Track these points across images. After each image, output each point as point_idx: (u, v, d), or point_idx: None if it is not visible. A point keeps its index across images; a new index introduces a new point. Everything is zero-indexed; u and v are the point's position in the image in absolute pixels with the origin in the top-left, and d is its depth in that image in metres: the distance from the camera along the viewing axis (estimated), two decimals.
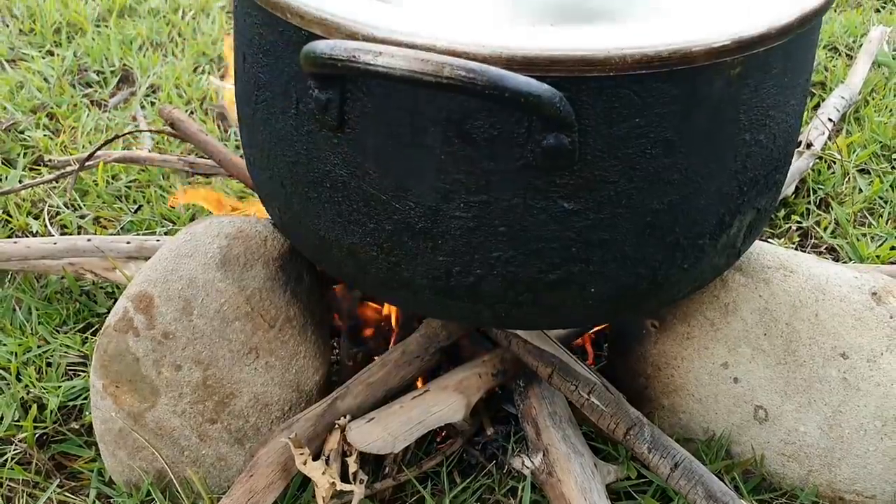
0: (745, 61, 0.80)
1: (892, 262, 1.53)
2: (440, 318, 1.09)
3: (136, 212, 1.63)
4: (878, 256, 1.54)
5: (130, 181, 1.75)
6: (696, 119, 0.81)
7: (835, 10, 2.54)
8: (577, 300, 0.89)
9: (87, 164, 1.54)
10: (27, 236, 1.62)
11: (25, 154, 1.84)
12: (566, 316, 0.93)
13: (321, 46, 0.71)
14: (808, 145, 1.74)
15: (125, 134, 1.71)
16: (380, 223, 0.86)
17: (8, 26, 2.37)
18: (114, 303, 1.43)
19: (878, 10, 2.56)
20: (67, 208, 1.64)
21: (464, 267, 0.85)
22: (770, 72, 0.84)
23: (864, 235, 1.60)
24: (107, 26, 2.36)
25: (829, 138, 1.82)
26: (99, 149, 1.54)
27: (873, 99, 2.00)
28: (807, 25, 0.85)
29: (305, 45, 0.74)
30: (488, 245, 0.83)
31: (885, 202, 1.70)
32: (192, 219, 1.63)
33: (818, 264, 1.08)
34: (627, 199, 0.82)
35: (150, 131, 1.65)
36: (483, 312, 0.91)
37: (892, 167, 1.80)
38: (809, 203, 1.70)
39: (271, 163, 0.96)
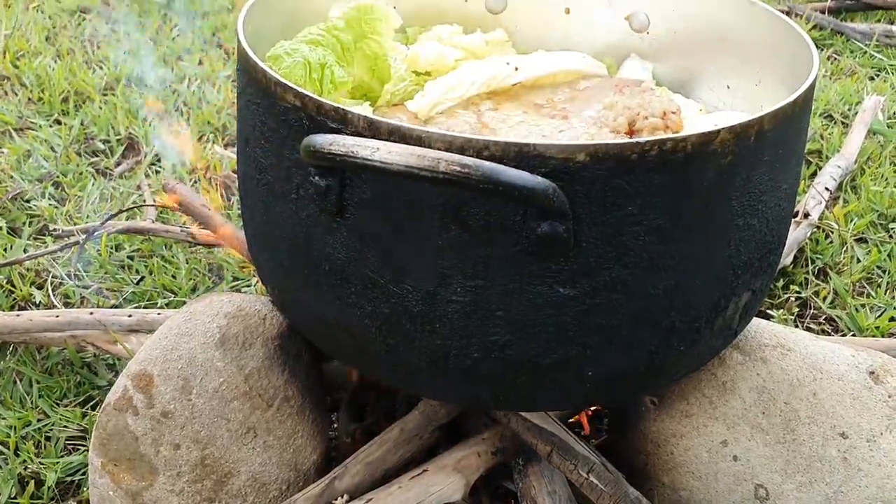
0: (736, 150, 0.82)
1: (891, 334, 1.53)
2: (439, 400, 1.09)
3: (138, 283, 1.64)
4: (877, 327, 1.54)
5: (133, 251, 1.76)
6: (688, 207, 0.82)
7: (830, 78, 2.58)
8: (575, 382, 0.89)
9: (91, 235, 1.56)
10: (30, 306, 1.63)
11: (30, 223, 1.86)
12: (564, 397, 0.94)
13: (320, 141, 0.73)
14: (806, 215, 1.75)
15: (130, 209, 1.73)
16: (378, 306, 0.87)
17: (17, 94, 2.41)
18: (115, 375, 1.43)
19: (871, 78, 2.60)
20: (70, 279, 1.65)
21: (461, 350, 0.86)
22: (761, 158, 0.86)
23: (863, 306, 1.61)
24: (114, 94, 2.40)
25: (827, 207, 1.84)
26: (105, 222, 1.55)
27: (869, 167, 2.03)
28: (795, 111, 0.87)
29: (305, 139, 0.76)
30: (485, 329, 0.84)
31: (884, 272, 1.71)
32: (194, 289, 1.64)
33: (815, 342, 1.09)
34: (622, 285, 0.83)
35: (155, 205, 1.67)
36: (481, 394, 0.91)
37: (890, 236, 1.81)
38: (808, 273, 1.70)
39: (271, 244, 0.97)
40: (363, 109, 1.12)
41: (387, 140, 0.78)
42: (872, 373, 1.04)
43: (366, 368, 1.00)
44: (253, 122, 0.93)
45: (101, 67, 2.57)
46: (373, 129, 0.79)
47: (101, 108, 2.32)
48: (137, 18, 2.93)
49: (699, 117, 1.20)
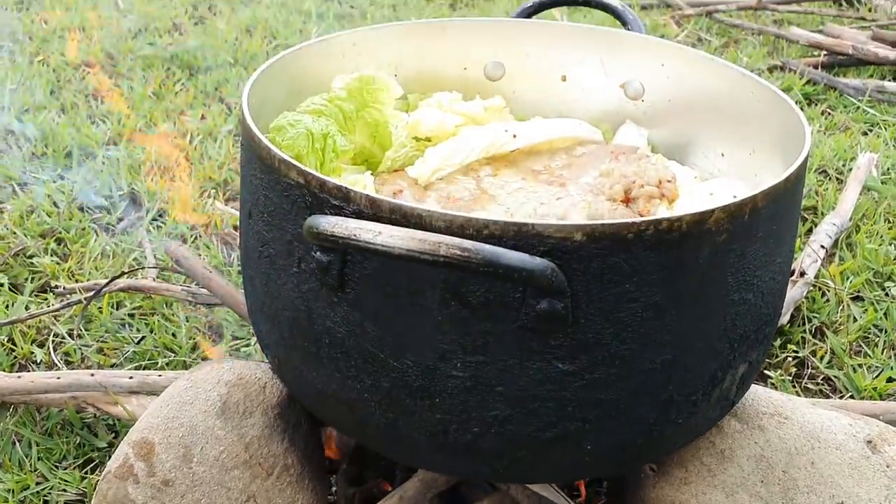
0: (731, 228, 0.84)
1: (889, 395, 1.54)
2: (439, 472, 1.10)
3: (139, 342, 1.65)
4: (875, 388, 1.54)
5: (134, 308, 1.77)
6: (684, 284, 0.83)
7: (824, 133, 2.62)
8: (574, 456, 0.90)
9: (93, 298, 1.57)
10: (31, 364, 1.63)
11: (32, 279, 1.87)
12: (563, 470, 0.94)
13: (323, 223, 0.74)
14: (802, 273, 1.77)
15: (132, 271, 1.74)
16: (378, 380, 0.88)
17: (21, 149, 2.44)
18: (114, 436, 1.43)
19: (865, 133, 2.64)
20: (72, 338, 1.66)
21: (461, 424, 0.87)
22: (756, 235, 0.88)
23: (861, 366, 1.62)
24: (117, 149, 2.43)
25: (822, 265, 1.86)
26: (106, 286, 1.57)
27: (864, 224, 2.05)
28: (788, 188, 0.89)
29: (308, 219, 0.78)
30: (485, 404, 0.85)
31: (881, 331, 1.72)
32: (194, 348, 1.65)
33: (812, 410, 1.09)
34: (621, 360, 0.84)
35: (156, 268, 1.68)
36: (481, 468, 0.91)
37: (886, 294, 1.83)
38: (805, 332, 1.71)
39: (272, 314, 0.98)
40: (365, 179, 1.14)
41: (388, 218, 0.80)
42: (870, 442, 1.04)
43: (365, 440, 1.00)
44: (256, 195, 0.95)
45: (104, 122, 2.60)
46: (374, 208, 0.81)
47: (103, 162, 2.35)
48: (141, 72, 2.97)
49: (694, 185, 1.22)
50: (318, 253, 0.85)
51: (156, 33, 3.41)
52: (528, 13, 1.42)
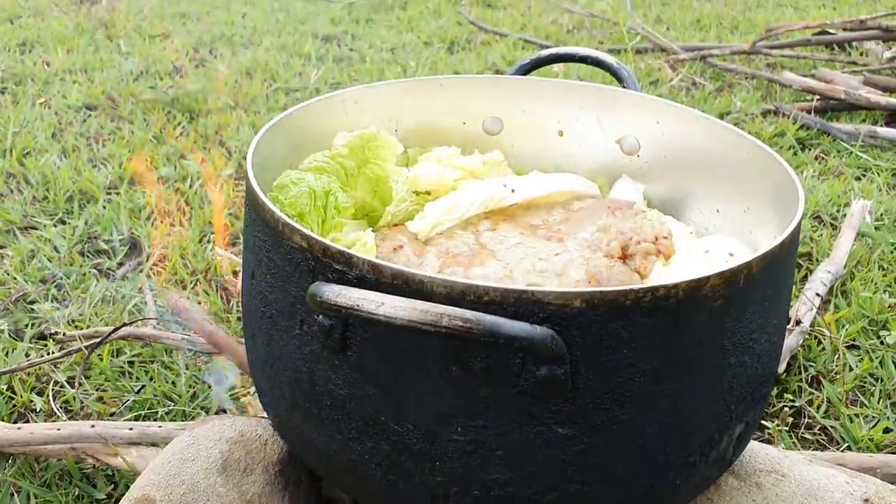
0: (727, 294, 0.85)
1: (886, 446, 1.55)
2: None
3: (138, 392, 1.65)
4: (871, 439, 1.55)
5: (134, 355, 1.78)
6: (682, 348, 0.85)
7: (818, 178, 2.65)
8: None
9: (94, 350, 1.57)
10: (30, 413, 1.63)
11: (33, 325, 1.88)
12: None
13: (327, 292, 0.76)
14: (797, 322, 1.78)
15: (133, 322, 1.74)
16: (378, 442, 0.89)
17: (23, 193, 2.46)
18: (113, 487, 1.43)
19: (858, 178, 2.67)
20: (71, 387, 1.66)
21: (461, 488, 0.87)
22: (751, 299, 0.89)
23: (857, 416, 1.62)
24: (118, 194, 2.45)
25: (818, 313, 1.87)
26: (107, 337, 1.58)
27: (859, 272, 2.07)
28: (782, 251, 0.91)
29: (312, 286, 0.79)
30: (485, 467, 0.86)
31: (876, 380, 1.73)
32: (193, 397, 1.65)
33: (809, 468, 1.10)
34: (619, 425, 0.85)
35: (157, 319, 1.69)
36: None
37: (881, 342, 1.84)
38: (801, 380, 1.72)
39: (274, 373, 0.99)
40: (366, 236, 1.15)
41: (390, 283, 0.81)
42: (867, 500, 1.05)
43: (366, 500, 1.01)
44: (259, 256, 0.97)
45: (105, 165, 2.62)
46: (377, 273, 0.82)
47: (104, 207, 2.37)
48: (142, 115, 3.01)
49: (690, 241, 1.24)
50: (320, 316, 0.87)
51: (157, 76, 3.45)
52: (526, 70, 1.45)
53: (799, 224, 0.96)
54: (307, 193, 1.12)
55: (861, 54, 3.72)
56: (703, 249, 1.19)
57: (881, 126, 2.96)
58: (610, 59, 1.40)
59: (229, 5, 4.49)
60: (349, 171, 1.23)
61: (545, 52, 1.45)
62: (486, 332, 0.72)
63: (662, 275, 1.16)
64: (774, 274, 0.92)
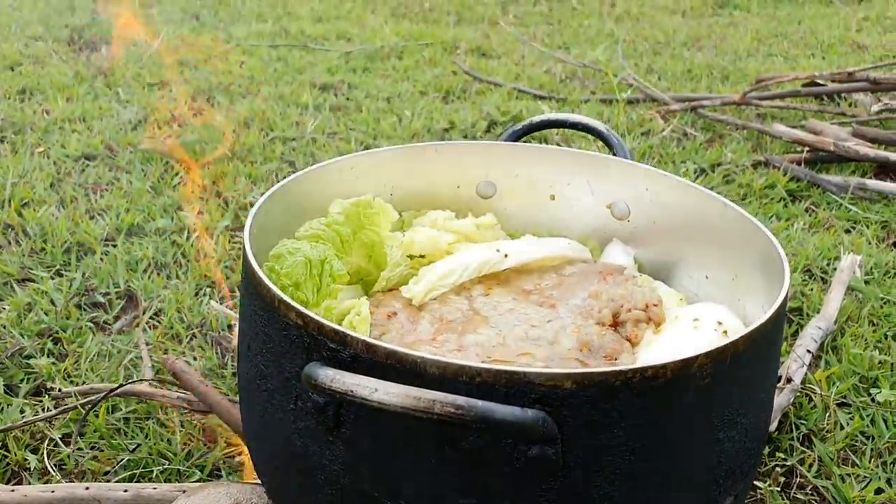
0: (714, 372, 0.87)
1: None
2: None
3: (133, 451, 1.66)
4: (863, 500, 1.56)
5: (130, 411, 1.78)
6: (670, 426, 0.86)
7: (808, 231, 2.68)
8: None
9: (89, 412, 1.58)
10: (24, 472, 1.63)
11: (28, 380, 1.88)
12: None
13: (321, 376, 0.77)
14: (788, 379, 1.80)
15: (129, 383, 1.75)
16: None
17: (20, 245, 2.48)
18: None
19: (847, 231, 2.70)
20: (66, 445, 1.67)
21: None
22: (738, 376, 0.91)
23: (849, 475, 1.63)
24: (114, 246, 2.47)
25: (809, 370, 1.89)
26: (104, 398, 1.58)
27: (849, 328, 2.09)
28: (768, 328, 0.93)
29: (306, 368, 0.81)
30: None
31: (867, 438, 1.74)
32: (188, 455, 1.65)
33: None
34: (609, 501, 0.86)
35: (153, 380, 1.70)
36: None
37: (872, 400, 1.85)
38: (793, 439, 1.73)
39: (268, 445, 1.01)
40: (361, 305, 1.17)
41: (384, 363, 0.83)
42: None
43: None
44: (255, 329, 0.98)
45: (102, 217, 2.65)
46: (370, 352, 0.84)
47: (101, 259, 2.38)
48: (140, 165, 3.04)
49: (680, 309, 1.26)
50: (314, 394, 0.88)
51: (155, 125, 3.49)
52: (518, 135, 1.48)
53: (785, 300, 0.98)
54: (303, 263, 1.14)
55: (850, 105, 3.78)
56: (693, 318, 1.21)
57: (870, 178, 3.00)
58: (600, 126, 1.44)
59: (227, 54, 4.55)
60: (345, 237, 1.26)
61: (537, 119, 1.48)
62: (478, 417, 0.74)
63: (652, 343, 1.18)
64: (761, 351, 0.94)
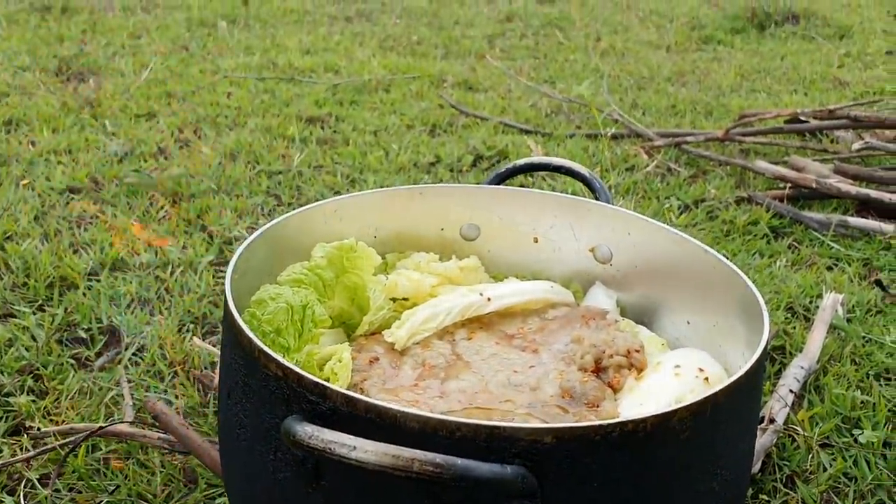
0: (694, 425, 0.87)
1: None
2: None
3: (112, 492, 1.64)
4: None
5: (110, 451, 1.76)
6: (650, 479, 0.86)
7: (791, 268, 2.70)
8: None
9: (69, 454, 1.57)
10: None
11: (6, 419, 1.86)
12: None
13: (300, 433, 0.77)
14: (771, 420, 1.80)
15: (110, 424, 1.73)
16: None
17: (3, 279, 2.46)
18: None
19: (829, 268, 2.72)
20: (44, 487, 1.65)
21: None
22: (719, 427, 0.91)
23: None
24: (98, 280, 2.45)
25: (792, 410, 1.89)
26: (83, 440, 1.57)
27: (832, 367, 2.09)
28: (748, 380, 0.93)
29: (286, 422, 0.80)
30: None
31: (850, 479, 1.74)
32: (168, 498, 1.64)
33: None
34: None
35: (133, 423, 1.68)
36: None
37: (855, 441, 1.86)
38: (776, 480, 1.73)
39: (248, 493, 1.00)
40: (342, 352, 1.17)
41: (363, 417, 0.83)
42: None
43: None
44: (236, 379, 0.98)
45: (86, 251, 2.63)
46: (350, 406, 0.84)
47: (84, 294, 2.37)
48: (125, 199, 3.03)
49: (662, 355, 1.26)
50: (294, 446, 0.88)
51: (141, 157, 3.49)
52: (502, 178, 1.49)
53: (765, 350, 0.98)
54: (284, 310, 1.13)
55: (832, 142, 3.83)
56: (674, 364, 1.21)
57: (852, 215, 3.03)
58: (583, 170, 1.45)
59: (215, 86, 4.57)
60: (327, 282, 1.26)
61: (521, 162, 1.49)
62: (457, 476, 0.73)
63: (634, 390, 1.19)
64: (741, 401, 0.94)
